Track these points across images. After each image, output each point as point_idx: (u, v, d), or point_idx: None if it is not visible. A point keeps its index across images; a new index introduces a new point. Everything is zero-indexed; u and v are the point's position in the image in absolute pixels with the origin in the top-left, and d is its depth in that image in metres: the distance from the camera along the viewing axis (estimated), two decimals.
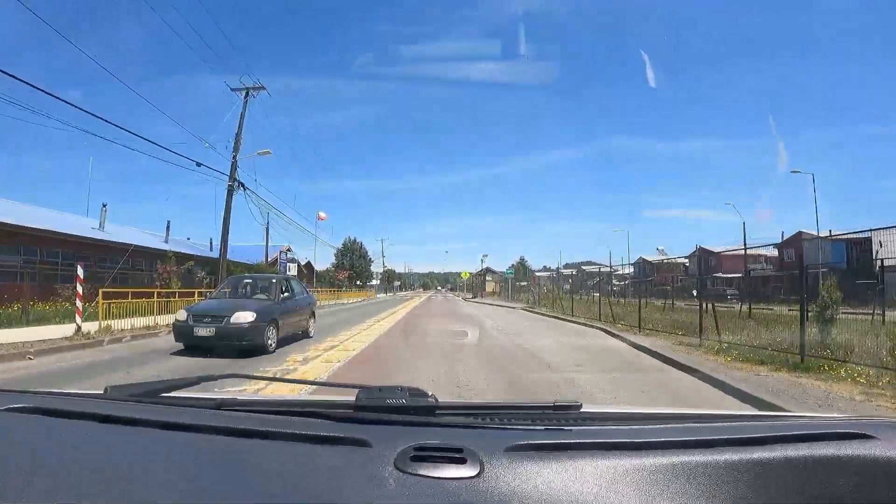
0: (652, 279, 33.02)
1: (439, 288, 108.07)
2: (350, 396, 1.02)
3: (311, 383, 2.30)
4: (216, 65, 55.42)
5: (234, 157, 17.18)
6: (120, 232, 22.63)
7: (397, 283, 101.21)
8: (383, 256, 75.64)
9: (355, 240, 63.95)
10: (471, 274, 68.50)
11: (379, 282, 74.48)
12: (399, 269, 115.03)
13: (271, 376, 1.82)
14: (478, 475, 0.74)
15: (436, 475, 0.74)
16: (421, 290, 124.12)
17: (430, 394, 1.01)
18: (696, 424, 1.06)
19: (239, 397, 1.17)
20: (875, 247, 17.74)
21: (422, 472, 0.75)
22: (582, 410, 1.04)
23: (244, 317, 8.10)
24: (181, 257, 21.14)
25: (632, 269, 48.23)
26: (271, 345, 8.40)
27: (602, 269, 26.82)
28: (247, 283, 10.37)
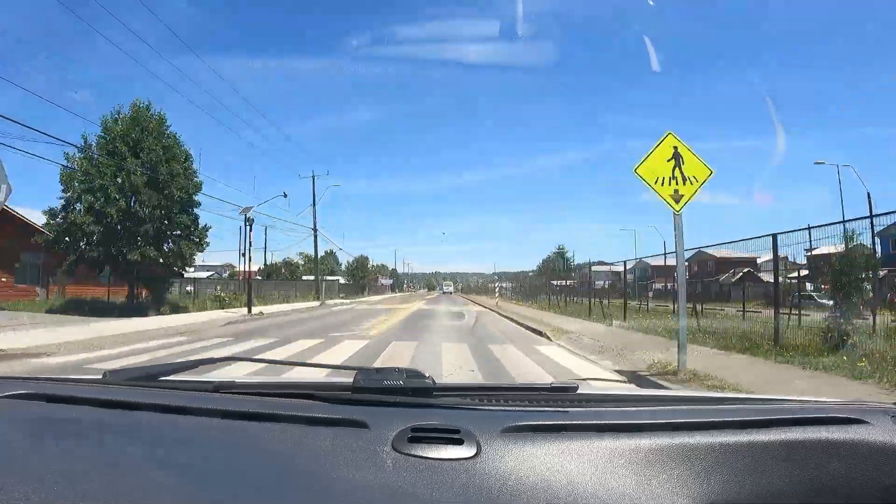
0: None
1: (445, 289, 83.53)
2: (348, 379, 1.03)
3: (310, 365, 2.35)
4: None
5: None
6: None
7: (388, 282, 75.60)
8: (314, 208, 33.09)
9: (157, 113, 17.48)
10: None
11: (339, 278, 48.01)
12: (395, 267, 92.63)
13: (270, 359, 1.83)
14: (475, 456, 0.75)
15: (433, 456, 0.75)
16: (425, 290, 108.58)
17: (427, 375, 1.02)
18: (692, 407, 1.07)
19: (237, 380, 1.18)
20: None
21: (419, 452, 0.75)
22: (578, 392, 1.04)
23: None
24: None
25: None
26: None
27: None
28: None
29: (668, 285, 23.06)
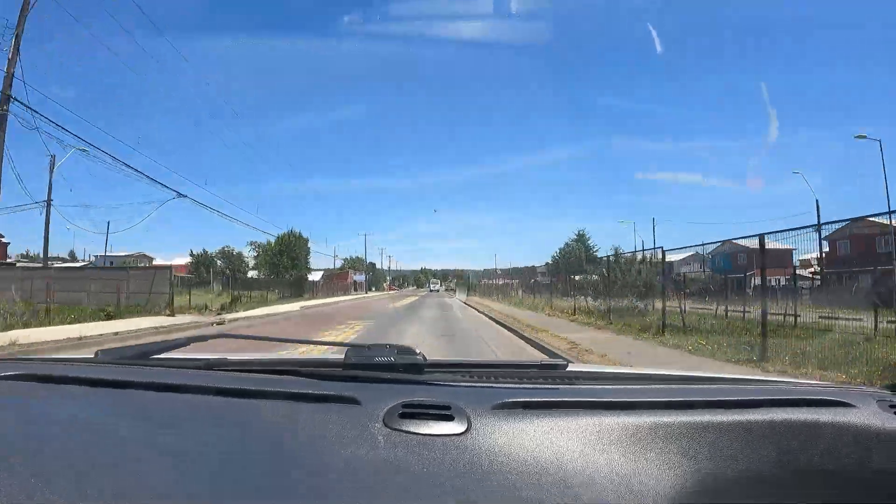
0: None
1: (432, 286, 75.82)
2: (339, 355, 1.04)
3: (302, 342, 2.41)
4: None
5: None
6: None
7: (360, 278, 62.84)
8: (15, 51, 9.70)
9: None
10: None
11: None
12: (373, 261, 78.45)
13: (263, 336, 1.84)
14: (465, 432, 0.76)
15: (424, 432, 0.75)
16: (413, 287, 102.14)
17: (418, 352, 1.03)
18: (680, 386, 1.09)
19: (229, 357, 1.18)
20: None
21: (410, 428, 0.76)
22: (568, 370, 1.06)
23: None
24: None
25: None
26: None
27: None
28: None
29: (778, 279, 13.46)
